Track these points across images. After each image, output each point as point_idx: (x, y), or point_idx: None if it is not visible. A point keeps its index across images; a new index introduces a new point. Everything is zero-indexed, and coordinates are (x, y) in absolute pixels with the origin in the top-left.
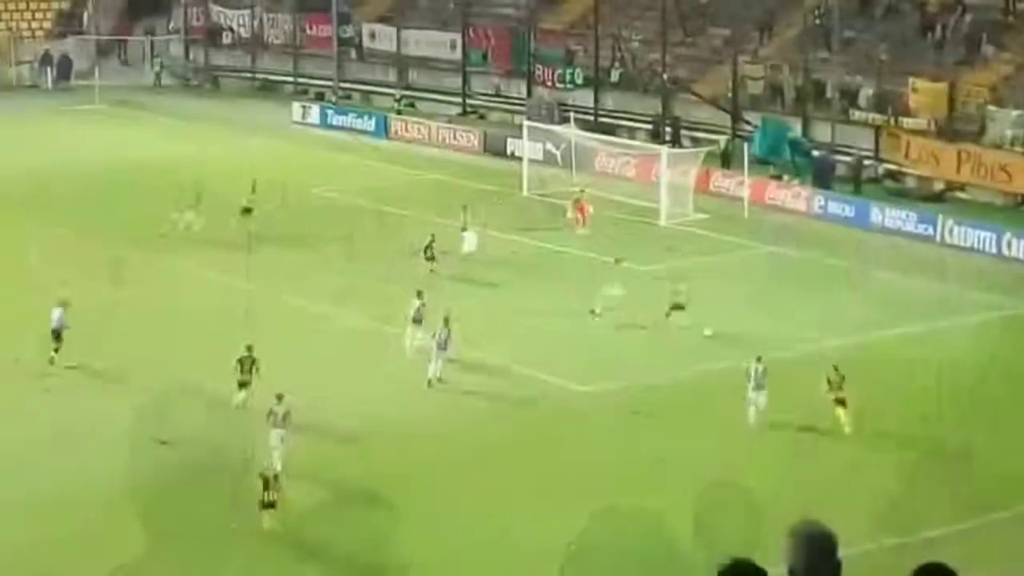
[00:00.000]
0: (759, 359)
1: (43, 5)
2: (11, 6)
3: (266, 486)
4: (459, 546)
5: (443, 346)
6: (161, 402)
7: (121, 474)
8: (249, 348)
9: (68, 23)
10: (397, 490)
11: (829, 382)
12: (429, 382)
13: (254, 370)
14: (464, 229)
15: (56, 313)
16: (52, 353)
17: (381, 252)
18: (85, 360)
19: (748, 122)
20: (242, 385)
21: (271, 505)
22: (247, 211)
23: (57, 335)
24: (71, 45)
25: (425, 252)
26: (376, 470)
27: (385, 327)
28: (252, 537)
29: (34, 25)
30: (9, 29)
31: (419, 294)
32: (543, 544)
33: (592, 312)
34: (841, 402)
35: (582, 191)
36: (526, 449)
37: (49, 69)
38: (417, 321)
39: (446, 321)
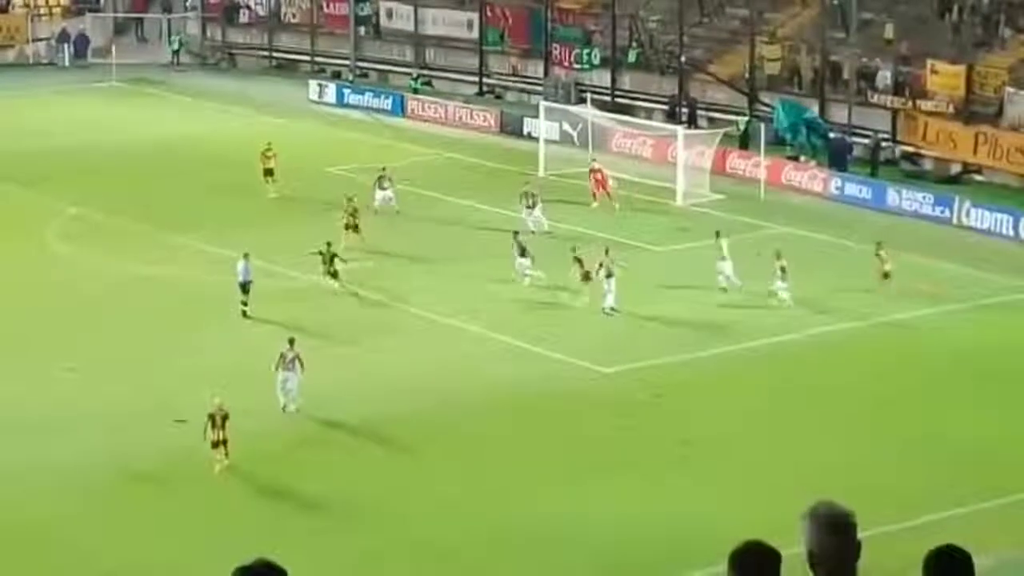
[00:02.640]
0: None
1: None
2: None
3: (213, 424)
4: (480, 524)
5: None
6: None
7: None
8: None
9: (85, 0)
10: (421, 467)
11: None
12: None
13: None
14: (530, 207)
15: (240, 266)
16: (242, 306)
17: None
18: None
19: (765, 104)
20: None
21: (223, 443)
22: (269, 172)
23: (244, 288)
24: (88, 23)
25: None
26: (400, 443)
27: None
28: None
29: (51, 3)
30: (26, 6)
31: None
32: (564, 521)
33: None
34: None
35: (593, 160)
36: (548, 430)
37: (66, 47)
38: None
39: (606, 253)
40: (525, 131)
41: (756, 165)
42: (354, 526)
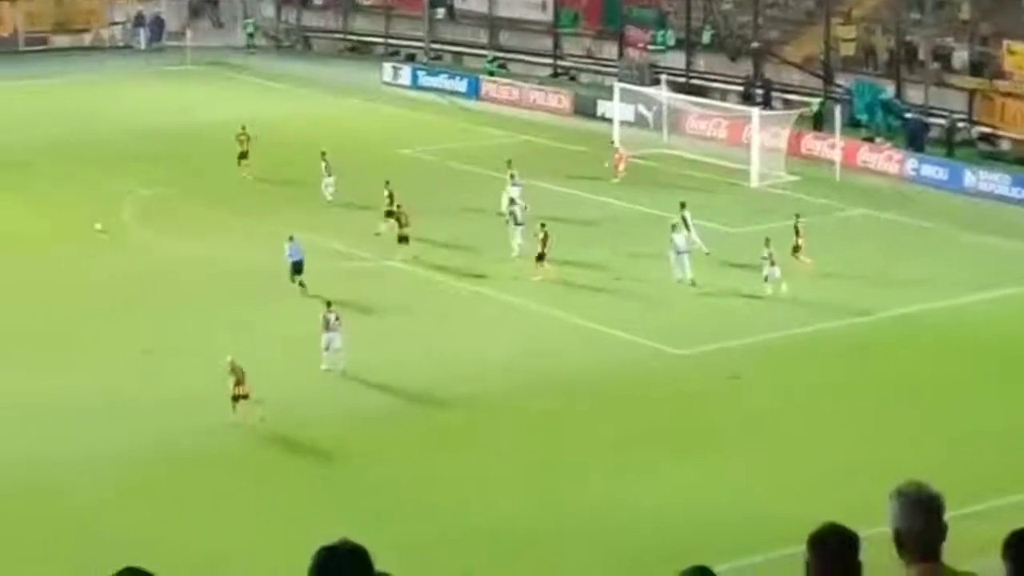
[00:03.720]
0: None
1: None
2: None
3: (238, 382)
4: (545, 507)
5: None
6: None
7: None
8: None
9: None
10: (492, 442)
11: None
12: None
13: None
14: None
15: (289, 247)
16: (299, 286)
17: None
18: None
19: (839, 85)
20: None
21: (244, 397)
22: (243, 155)
23: (298, 267)
24: (164, 6)
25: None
26: (467, 422)
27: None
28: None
29: None
30: None
31: None
32: (622, 501)
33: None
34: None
35: (612, 142)
36: (618, 412)
37: (142, 30)
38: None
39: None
40: (599, 113)
41: (831, 146)
42: (418, 509)
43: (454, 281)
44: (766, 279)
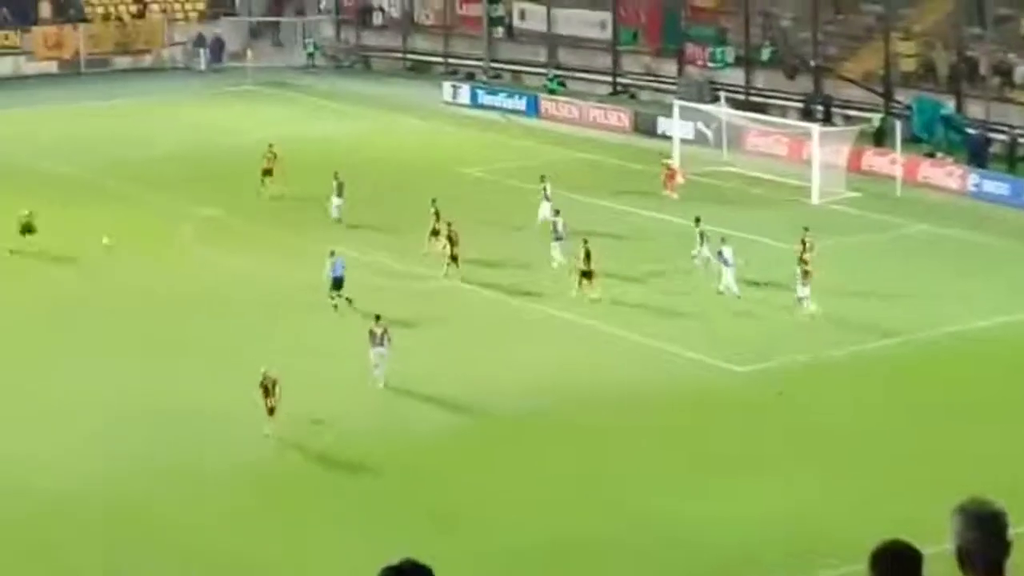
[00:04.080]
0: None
1: None
2: None
3: (266, 393)
4: (602, 523)
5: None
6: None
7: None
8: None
9: (221, 5)
10: (544, 457)
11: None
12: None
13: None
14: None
15: (331, 263)
16: (342, 300)
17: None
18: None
19: (899, 102)
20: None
21: (271, 411)
22: (268, 172)
23: (338, 284)
24: (224, 27)
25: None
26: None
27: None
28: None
29: (187, 7)
30: (163, 11)
31: None
32: (683, 517)
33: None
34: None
35: (666, 158)
36: (677, 429)
37: (202, 51)
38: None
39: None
40: (659, 130)
41: (892, 162)
42: (474, 526)
43: (508, 298)
44: (799, 300)
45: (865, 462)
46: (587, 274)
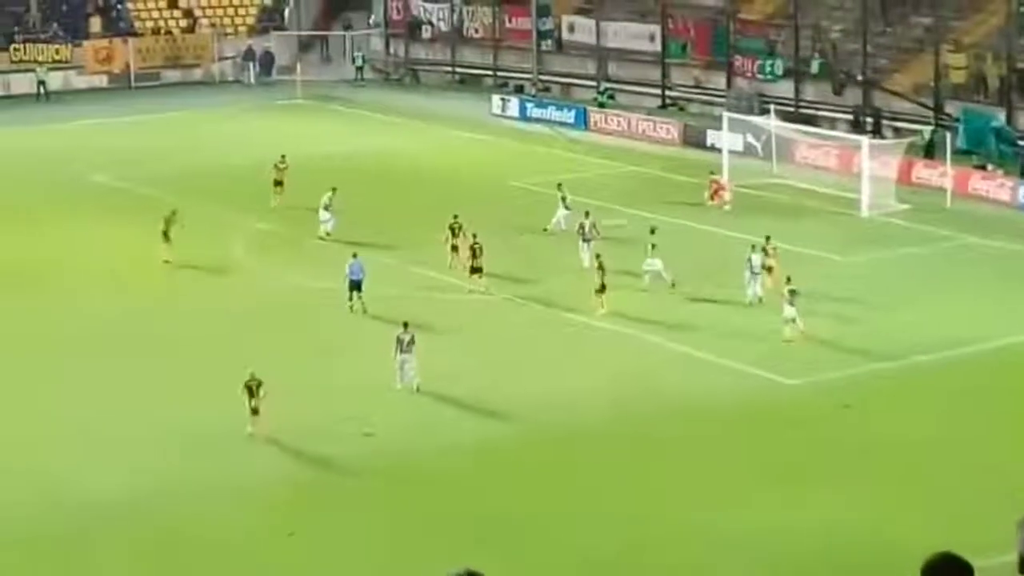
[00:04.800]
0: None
1: (246, 1)
2: (214, 3)
3: (251, 394)
4: (653, 538)
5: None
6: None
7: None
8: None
9: (270, 19)
10: (595, 478)
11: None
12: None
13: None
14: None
15: (351, 265)
16: (351, 303)
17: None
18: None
19: (948, 115)
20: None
21: (255, 411)
22: (278, 183)
23: (356, 286)
24: (273, 41)
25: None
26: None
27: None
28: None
29: (236, 21)
30: (212, 25)
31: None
32: (740, 530)
33: None
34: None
35: (714, 173)
36: (729, 442)
37: (252, 65)
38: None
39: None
40: (708, 143)
41: (942, 175)
42: (524, 538)
43: (545, 308)
44: (791, 320)
45: (922, 474)
46: (602, 288)
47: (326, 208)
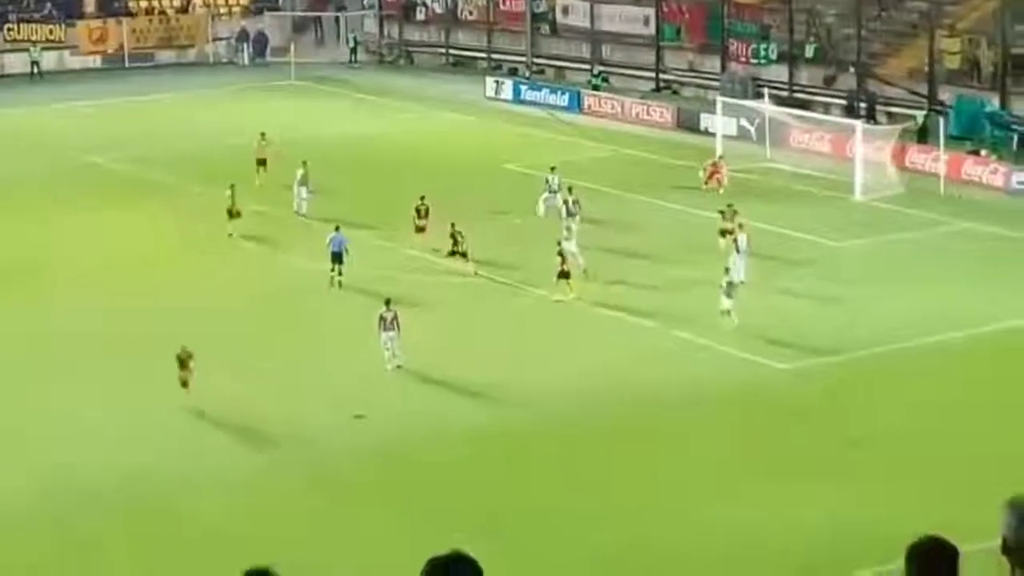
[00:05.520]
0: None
1: None
2: None
3: (182, 366)
4: (650, 527)
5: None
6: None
7: None
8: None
9: (264, 0)
10: (591, 468)
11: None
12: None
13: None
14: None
15: (331, 237)
16: (337, 276)
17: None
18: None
19: (942, 103)
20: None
21: (184, 384)
22: (262, 162)
23: (337, 258)
24: (267, 22)
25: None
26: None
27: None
28: None
29: (231, 2)
30: (206, 6)
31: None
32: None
33: None
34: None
35: (720, 157)
36: (721, 428)
37: (245, 46)
38: None
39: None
40: (702, 126)
41: (935, 160)
42: (528, 531)
43: (533, 290)
44: (726, 312)
45: (915, 461)
46: (564, 274)
47: (302, 184)
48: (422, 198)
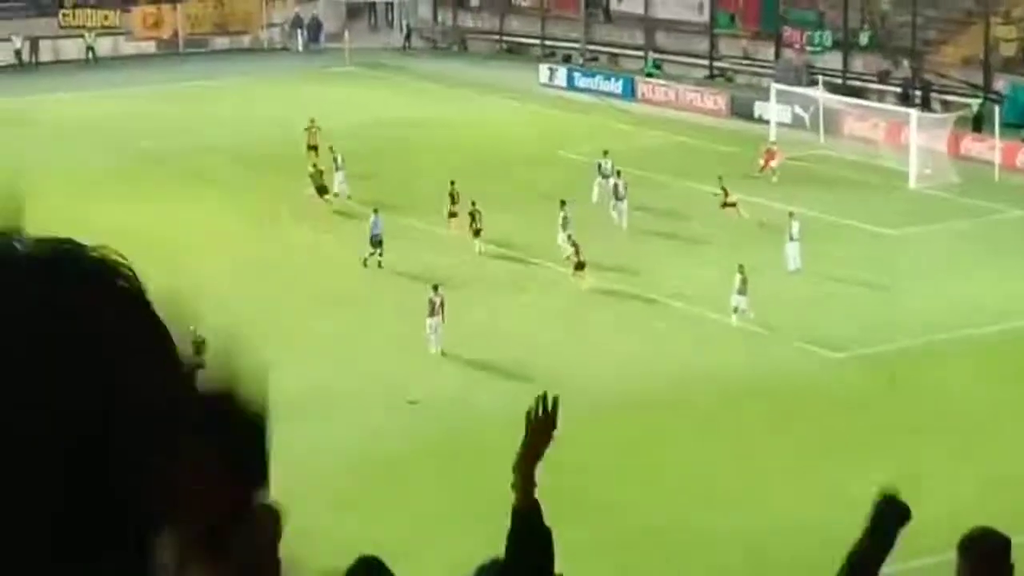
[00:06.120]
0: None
1: None
2: None
3: (197, 351)
4: (695, 514)
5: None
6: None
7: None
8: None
9: None
10: (638, 455)
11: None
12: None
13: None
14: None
15: (372, 220)
16: (370, 257)
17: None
18: None
19: (997, 92)
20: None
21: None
22: (313, 148)
23: (376, 242)
24: (321, 8)
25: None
26: (618, 432)
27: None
28: None
29: None
30: None
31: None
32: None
33: None
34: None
35: (773, 143)
36: (771, 418)
37: (300, 32)
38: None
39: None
40: (756, 114)
41: (991, 148)
42: (567, 514)
43: (608, 282)
44: (735, 310)
45: (972, 451)
46: (580, 265)
47: (338, 169)
48: (452, 183)
